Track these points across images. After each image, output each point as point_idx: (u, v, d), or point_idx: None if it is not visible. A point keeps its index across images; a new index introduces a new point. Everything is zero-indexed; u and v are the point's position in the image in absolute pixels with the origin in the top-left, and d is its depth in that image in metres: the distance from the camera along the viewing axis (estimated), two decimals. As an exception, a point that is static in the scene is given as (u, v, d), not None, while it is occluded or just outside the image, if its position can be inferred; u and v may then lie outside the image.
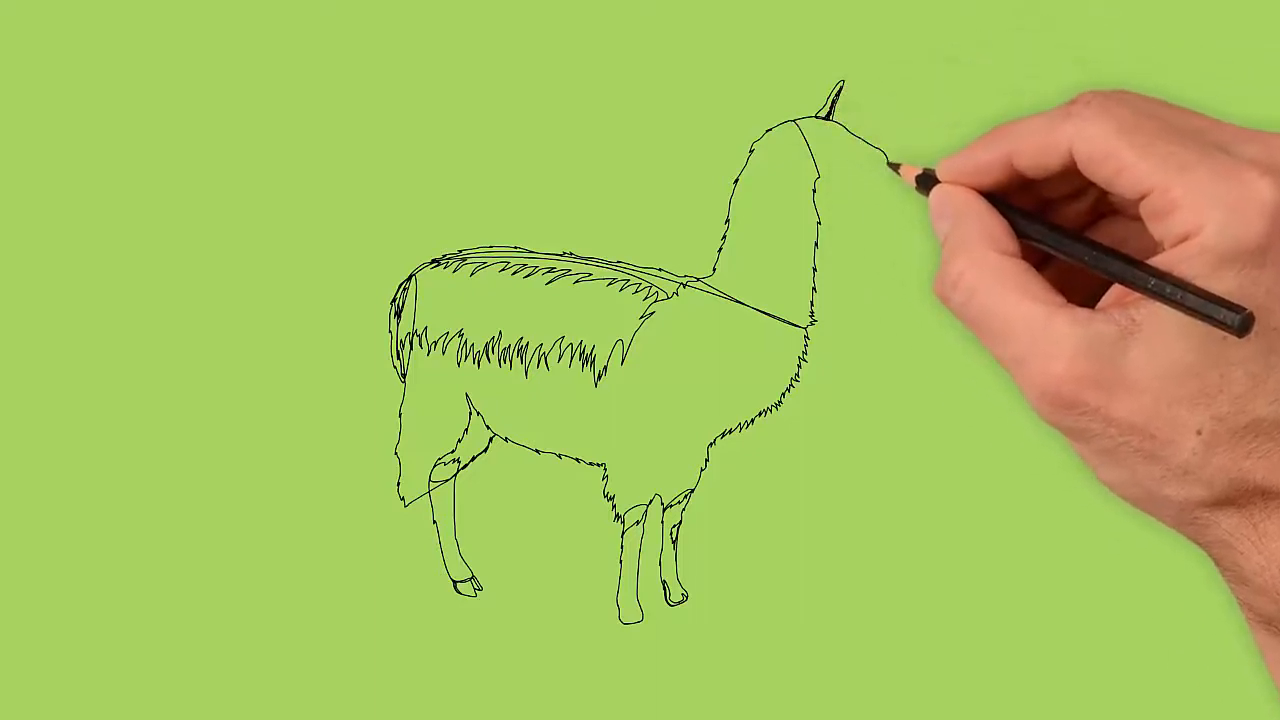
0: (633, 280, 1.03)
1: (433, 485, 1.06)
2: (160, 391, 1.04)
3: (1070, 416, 0.52)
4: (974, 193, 0.55)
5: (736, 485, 1.04)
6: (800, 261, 1.03)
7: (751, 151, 1.02)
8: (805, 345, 1.03)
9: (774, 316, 1.03)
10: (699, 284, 1.03)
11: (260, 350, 1.04)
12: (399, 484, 1.05)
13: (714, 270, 1.03)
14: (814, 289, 1.03)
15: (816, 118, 1.01)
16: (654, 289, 1.03)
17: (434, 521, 1.06)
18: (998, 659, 1.03)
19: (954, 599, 1.03)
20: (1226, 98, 0.97)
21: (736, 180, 1.02)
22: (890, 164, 0.63)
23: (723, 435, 1.04)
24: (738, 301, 1.03)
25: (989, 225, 0.54)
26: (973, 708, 1.04)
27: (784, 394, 1.04)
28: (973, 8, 1.01)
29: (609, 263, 1.04)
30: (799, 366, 1.04)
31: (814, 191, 1.02)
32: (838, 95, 1.01)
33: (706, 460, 1.05)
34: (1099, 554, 1.02)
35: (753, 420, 1.04)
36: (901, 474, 1.03)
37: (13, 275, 1.04)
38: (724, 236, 1.03)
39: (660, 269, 1.04)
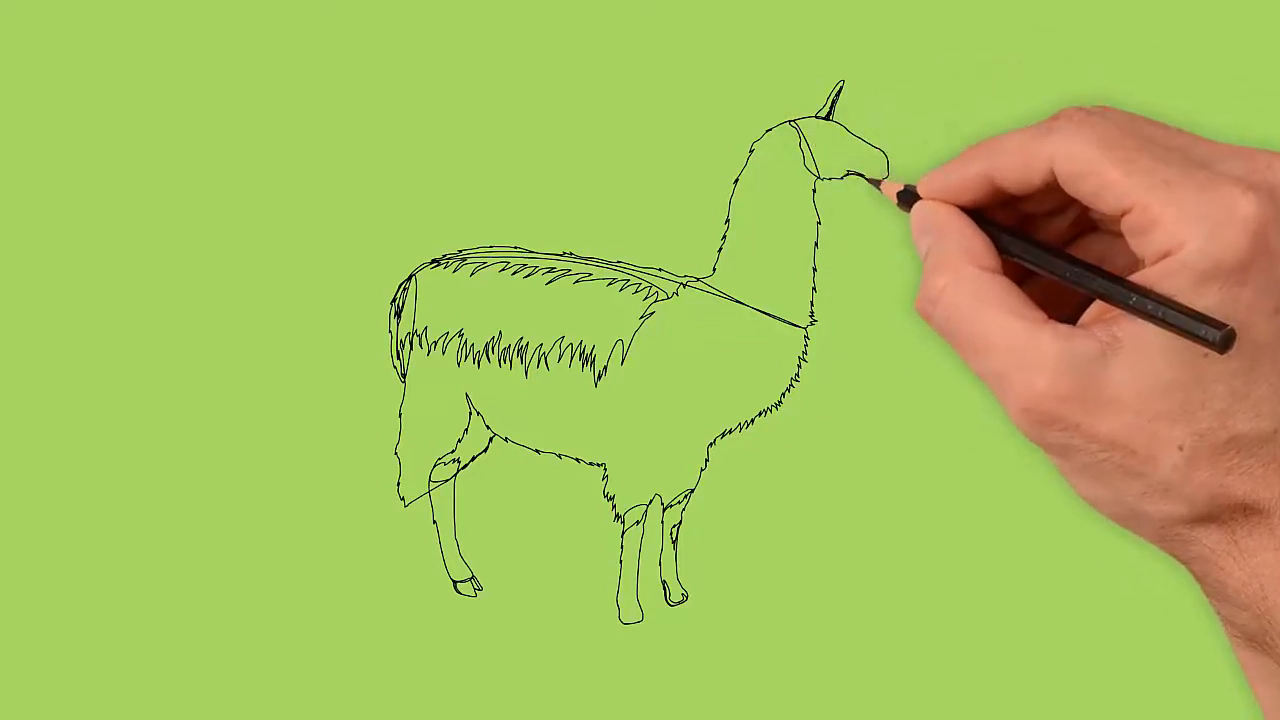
0: (633, 280, 1.03)
1: (433, 485, 1.06)
2: (160, 392, 1.04)
3: (1051, 432, 0.52)
4: (955, 209, 0.55)
5: (736, 485, 1.04)
6: (800, 261, 1.03)
7: (751, 151, 1.02)
8: (805, 345, 1.03)
9: (774, 316, 1.03)
10: (699, 284, 1.03)
11: (260, 350, 1.04)
12: (399, 484, 1.05)
13: (714, 270, 1.03)
14: (814, 289, 1.03)
15: (816, 118, 1.01)
16: (654, 289, 1.03)
17: (434, 521, 1.06)
18: (995, 658, 1.03)
19: (952, 598, 1.03)
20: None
21: (736, 180, 1.02)
22: (871, 180, 0.63)
23: (723, 435, 1.04)
24: (738, 301, 1.03)
25: (970, 241, 0.54)
26: (969, 707, 1.04)
27: (784, 394, 1.04)
28: (972, 9, 1.01)
29: (609, 263, 1.04)
30: (799, 366, 1.04)
31: (814, 191, 1.02)
32: (838, 95, 1.01)
33: (706, 460, 1.05)
34: (1093, 555, 1.02)
35: (753, 420, 1.04)
36: (901, 474, 1.03)
37: (13, 275, 1.04)
38: (724, 236, 1.03)
39: (660, 269, 1.04)
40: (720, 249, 1.03)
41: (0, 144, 1.04)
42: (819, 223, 1.02)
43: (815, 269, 1.03)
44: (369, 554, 1.05)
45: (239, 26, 1.03)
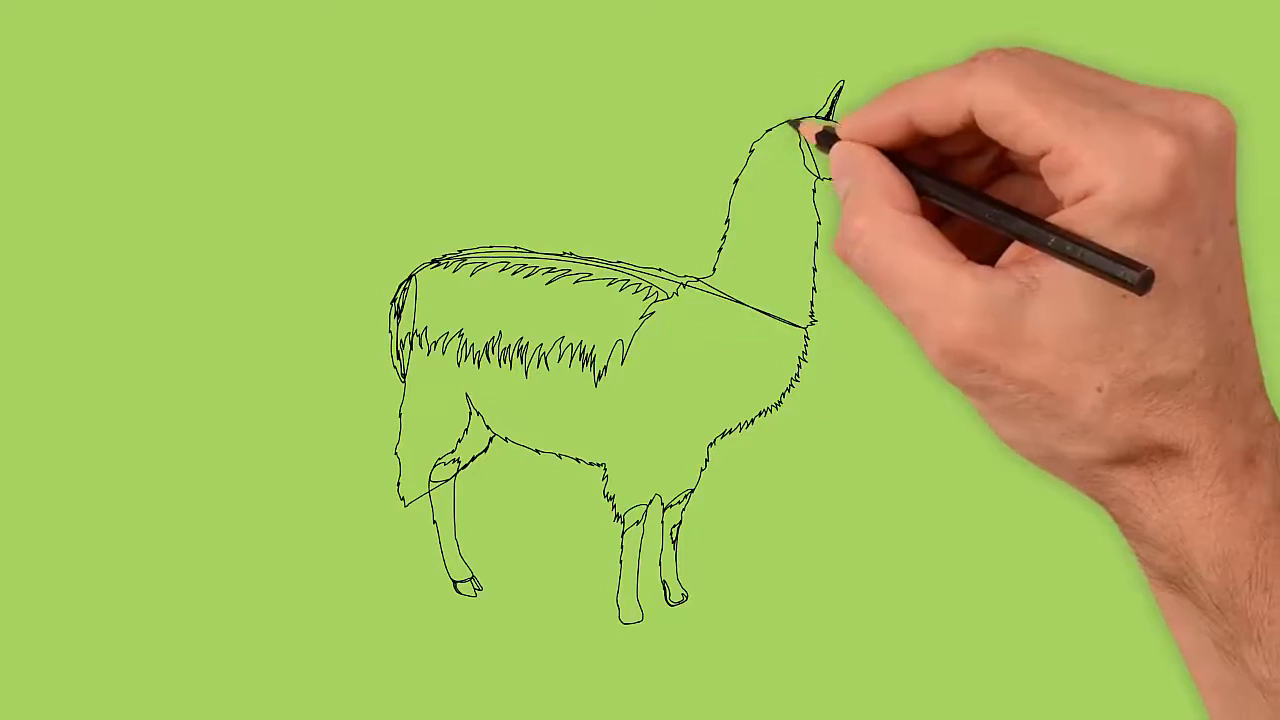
0: (633, 280, 1.03)
1: (433, 485, 1.06)
2: (161, 391, 1.04)
3: (970, 373, 0.52)
4: (874, 150, 0.56)
5: (736, 485, 1.04)
6: (800, 261, 1.03)
7: (751, 151, 1.02)
8: (805, 345, 1.03)
9: (774, 316, 1.03)
10: (699, 284, 1.03)
11: (260, 350, 1.04)
12: (399, 484, 1.05)
13: (714, 270, 1.03)
14: (814, 289, 1.03)
15: (817, 118, 1.01)
16: (654, 289, 1.03)
17: (434, 521, 1.06)
18: (993, 657, 1.03)
19: (950, 597, 1.03)
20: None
21: (736, 180, 1.03)
22: (791, 121, 0.63)
23: (723, 435, 1.04)
24: (738, 301, 1.03)
25: (889, 182, 0.54)
26: (969, 705, 1.04)
27: (784, 394, 1.04)
28: (972, 9, 1.01)
29: (609, 263, 1.04)
30: (799, 366, 1.04)
31: (814, 191, 1.02)
32: (838, 95, 1.01)
33: (706, 460, 1.05)
34: (1092, 553, 1.02)
35: (753, 420, 1.04)
36: (900, 474, 1.03)
37: (13, 276, 1.04)
38: (724, 236, 1.03)
39: (660, 269, 1.04)
40: (720, 249, 1.03)
41: (0, 144, 1.04)
42: (819, 223, 1.03)
43: (815, 269, 1.03)
44: (369, 554, 1.05)
45: (238, 27, 1.03)
